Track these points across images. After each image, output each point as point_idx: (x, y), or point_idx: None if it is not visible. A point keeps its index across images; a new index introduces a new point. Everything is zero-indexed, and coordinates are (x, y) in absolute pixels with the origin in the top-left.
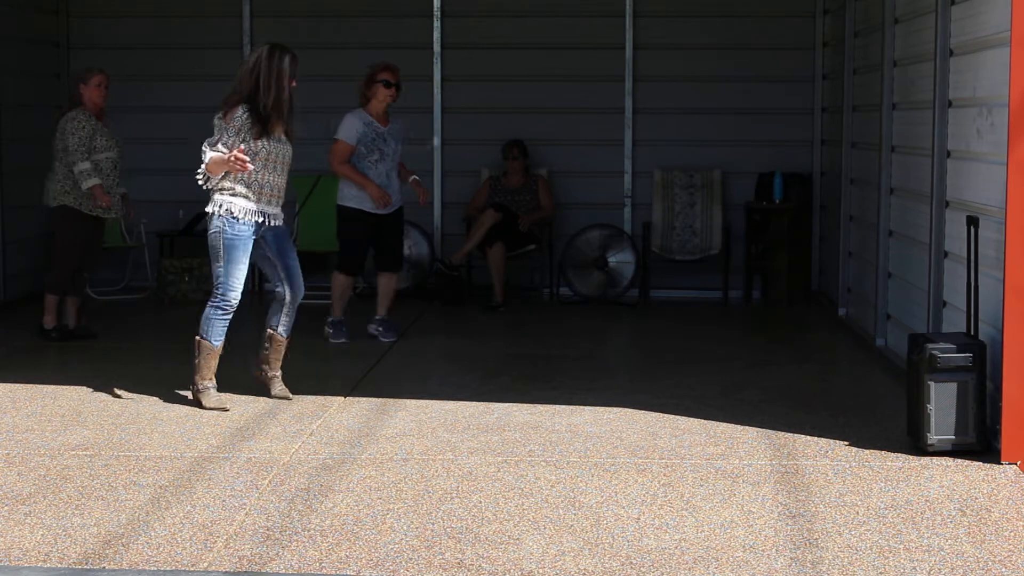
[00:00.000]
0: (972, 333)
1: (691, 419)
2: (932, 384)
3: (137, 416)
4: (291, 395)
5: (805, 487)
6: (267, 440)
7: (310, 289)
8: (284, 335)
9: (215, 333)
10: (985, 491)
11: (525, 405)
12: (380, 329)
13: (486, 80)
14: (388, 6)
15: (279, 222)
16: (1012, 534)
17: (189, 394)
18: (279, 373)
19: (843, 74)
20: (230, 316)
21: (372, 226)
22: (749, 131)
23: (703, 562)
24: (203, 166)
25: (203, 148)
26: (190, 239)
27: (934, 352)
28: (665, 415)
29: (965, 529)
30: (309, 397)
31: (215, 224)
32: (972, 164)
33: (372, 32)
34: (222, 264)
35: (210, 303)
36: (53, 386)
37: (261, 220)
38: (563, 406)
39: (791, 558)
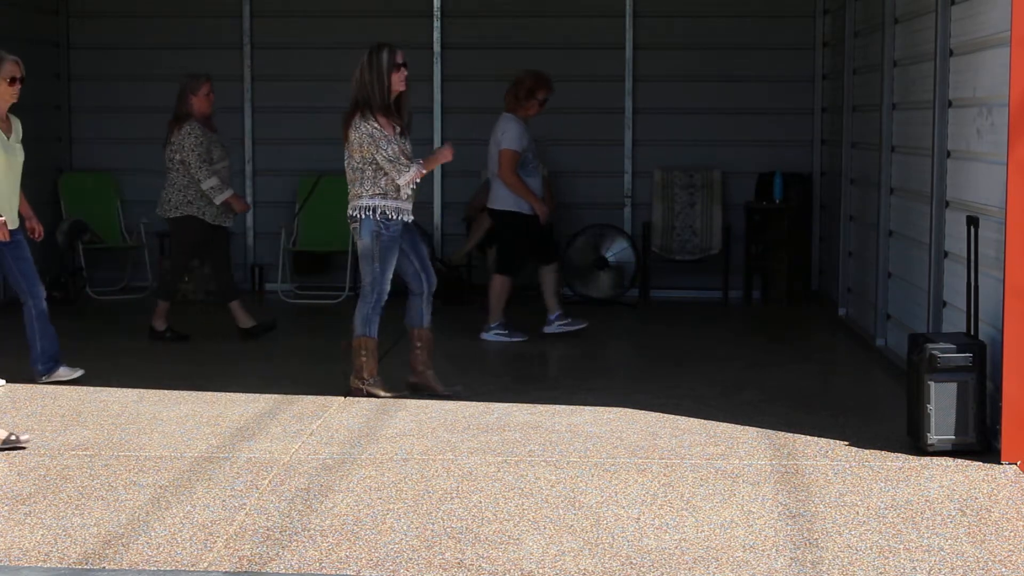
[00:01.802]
0: (972, 333)
1: (691, 419)
2: (932, 384)
3: (137, 416)
4: (458, 387)
5: (805, 487)
6: (267, 440)
7: (310, 289)
8: (429, 328)
9: (375, 329)
10: (985, 491)
11: (525, 405)
12: (567, 320)
13: (486, 80)
14: (388, 6)
15: (412, 218)
16: (1012, 534)
17: (351, 396)
18: (432, 369)
19: (843, 74)
20: (382, 310)
21: (531, 224)
22: (749, 131)
23: (703, 562)
24: (411, 173)
25: (390, 157)
26: None
27: (934, 352)
28: (665, 415)
29: (965, 529)
30: (309, 397)
31: (369, 227)
32: (972, 164)
33: (372, 32)
34: (378, 265)
35: (366, 303)
36: (53, 386)
37: (405, 218)
38: (563, 406)
39: (791, 558)
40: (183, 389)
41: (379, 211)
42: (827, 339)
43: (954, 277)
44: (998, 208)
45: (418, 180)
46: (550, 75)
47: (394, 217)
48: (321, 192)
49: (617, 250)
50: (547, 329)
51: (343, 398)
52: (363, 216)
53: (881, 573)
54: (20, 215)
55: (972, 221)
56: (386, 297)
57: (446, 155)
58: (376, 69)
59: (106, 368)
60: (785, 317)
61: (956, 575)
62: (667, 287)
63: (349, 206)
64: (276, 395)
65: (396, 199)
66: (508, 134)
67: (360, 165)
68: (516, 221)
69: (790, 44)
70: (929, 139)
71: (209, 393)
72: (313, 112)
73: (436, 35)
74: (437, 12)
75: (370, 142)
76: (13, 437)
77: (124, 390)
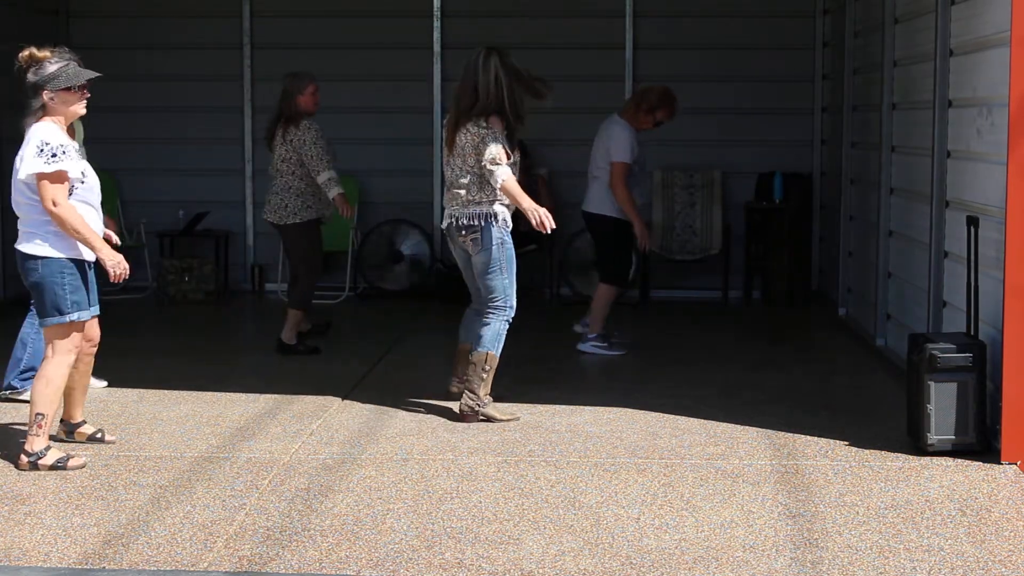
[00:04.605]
0: (972, 333)
1: (691, 419)
2: (932, 384)
3: (137, 416)
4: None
5: (805, 487)
6: (267, 440)
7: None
8: None
9: (501, 347)
10: (985, 491)
11: (525, 405)
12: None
13: None
14: (388, 6)
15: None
16: (1012, 534)
17: (458, 407)
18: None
19: (843, 74)
20: None
21: (626, 233)
22: (749, 131)
23: (703, 562)
24: (500, 179)
25: (496, 156)
26: (190, 239)
27: (934, 352)
28: (665, 415)
29: (965, 529)
30: (309, 397)
31: (494, 235)
32: (972, 164)
33: (372, 32)
34: (506, 276)
35: (499, 317)
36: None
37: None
38: (563, 406)
39: (791, 558)
40: (183, 389)
41: (501, 216)
42: (827, 339)
43: (954, 277)
44: (998, 208)
45: (502, 183)
46: (678, 102)
47: (510, 225)
48: None
49: None
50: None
51: (341, 400)
52: (484, 223)
53: (881, 573)
54: None
55: (972, 221)
56: (514, 312)
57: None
58: (495, 74)
59: (106, 368)
60: (785, 317)
61: (956, 575)
62: (667, 287)
63: (462, 214)
64: (276, 395)
65: (508, 207)
66: (620, 144)
67: (476, 169)
68: (615, 226)
69: (790, 44)
70: (929, 139)
71: (209, 393)
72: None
73: (436, 35)
74: (437, 12)
75: (481, 142)
76: (99, 434)
77: (124, 390)
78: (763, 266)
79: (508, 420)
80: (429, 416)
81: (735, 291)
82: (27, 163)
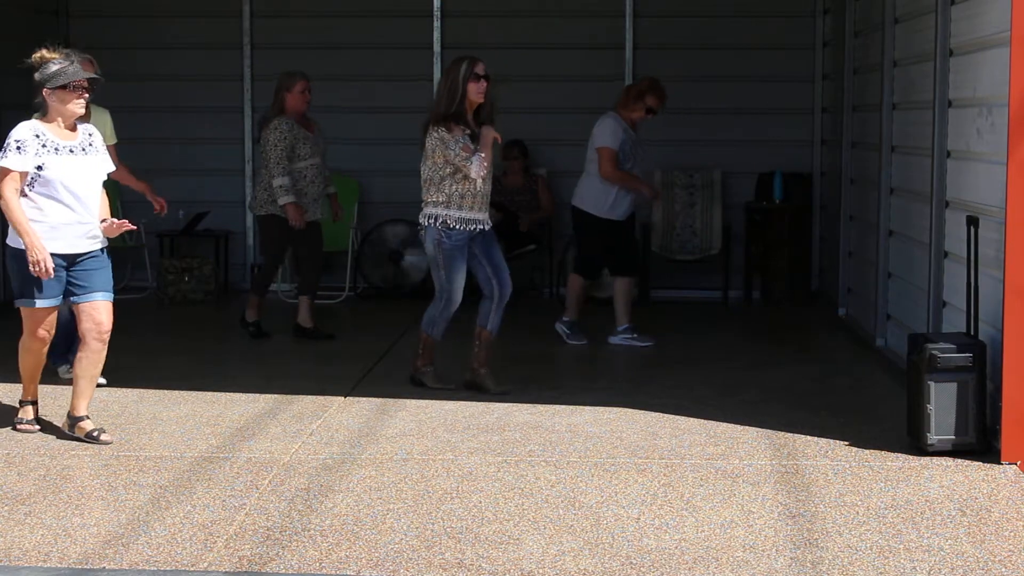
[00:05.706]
0: (972, 333)
1: (691, 419)
2: (932, 384)
3: (137, 416)
4: (508, 388)
5: (805, 487)
6: (267, 440)
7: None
8: (493, 333)
9: (439, 331)
10: (985, 491)
11: (525, 405)
12: (634, 336)
13: None
14: (388, 6)
15: (487, 226)
16: (1012, 534)
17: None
18: (488, 369)
19: (843, 74)
20: (452, 315)
21: (608, 230)
22: (749, 131)
23: (703, 562)
24: (476, 162)
25: (457, 155)
26: (190, 239)
27: (934, 352)
28: (665, 415)
29: (965, 529)
30: (309, 397)
31: (432, 236)
32: (972, 164)
33: (372, 32)
34: (443, 272)
35: (435, 306)
36: (53, 386)
37: (473, 228)
38: (563, 406)
39: (791, 558)
40: (183, 389)
41: (440, 220)
42: (827, 339)
43: (954, 277)
44: (998, 208)
45: (484, 171)
46: (665, 89)
47: (457, 227)
48: None
49: None
50: (612, 339)
51: (343, 398)
52: (427, 224)
53: (881, 573)
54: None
55: (972, 221)
56: (457, 304)
57: (490, 135)
58: (451, 79)
59: (106, 368)
60: (785, 317)
61: (956, 575)
62: (667, 287)
63: (420, 213)
64: (276, 395)
65: (460, 208)
66: (603, 131)
67: (430, 173)
68: (590, 221)
69: (790, 44)
70: (929, 139)
71: (209, 393)
72: (313, 112)
73: (436, 35)
74: (437, 12)
75: (441, 147)
76: (96, 433)
77: (124, 390)
78: (763, 266)
79: (437, 388)
80: (429, 416)
81: (735, 291)
82: None
